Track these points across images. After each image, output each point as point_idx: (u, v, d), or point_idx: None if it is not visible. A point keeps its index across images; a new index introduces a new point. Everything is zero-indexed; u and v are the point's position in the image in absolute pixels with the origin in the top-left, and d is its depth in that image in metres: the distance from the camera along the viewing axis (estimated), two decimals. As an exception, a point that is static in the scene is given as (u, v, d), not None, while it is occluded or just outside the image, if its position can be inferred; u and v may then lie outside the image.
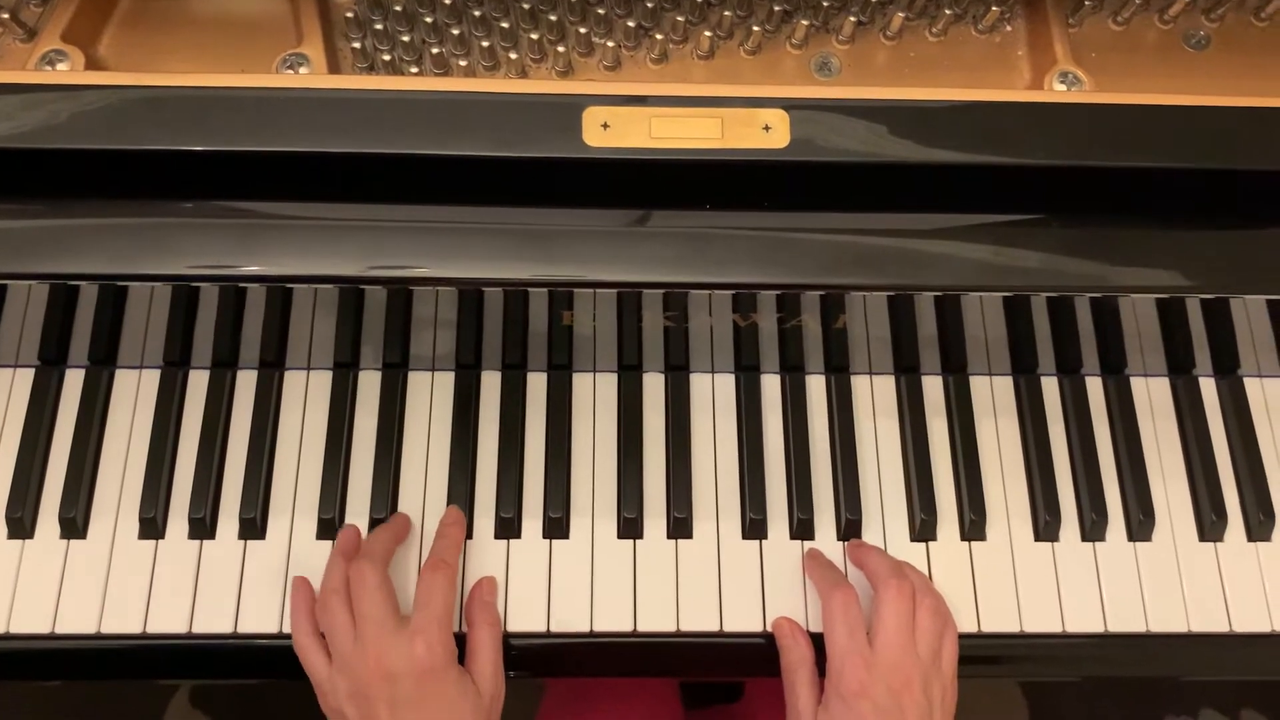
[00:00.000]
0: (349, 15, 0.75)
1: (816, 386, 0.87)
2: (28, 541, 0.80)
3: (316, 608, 0.74)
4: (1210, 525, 0.83)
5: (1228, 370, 0.88)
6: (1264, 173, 0.72)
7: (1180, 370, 0.88)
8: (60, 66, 0.72)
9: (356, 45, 0.76)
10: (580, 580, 0.80)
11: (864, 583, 0.77)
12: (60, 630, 0.77)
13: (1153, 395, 0.88)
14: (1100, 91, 0.75)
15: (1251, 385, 0.89)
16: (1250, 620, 0.81)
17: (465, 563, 0.80)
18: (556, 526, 0.81)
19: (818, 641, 0.75)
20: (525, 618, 0.79)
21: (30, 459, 0.81)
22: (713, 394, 0.86)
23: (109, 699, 1.50)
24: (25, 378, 0.84)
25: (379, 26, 0.75)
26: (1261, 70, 0.80)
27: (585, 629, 0.79)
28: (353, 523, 0.80)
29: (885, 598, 0.72)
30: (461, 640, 0.75)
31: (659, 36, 0.77)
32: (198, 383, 0.84)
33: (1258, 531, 0.84)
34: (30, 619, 0.77)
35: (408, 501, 0.82)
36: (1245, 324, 0.82)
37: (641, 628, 0.79)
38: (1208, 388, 0.88)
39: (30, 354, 0.83)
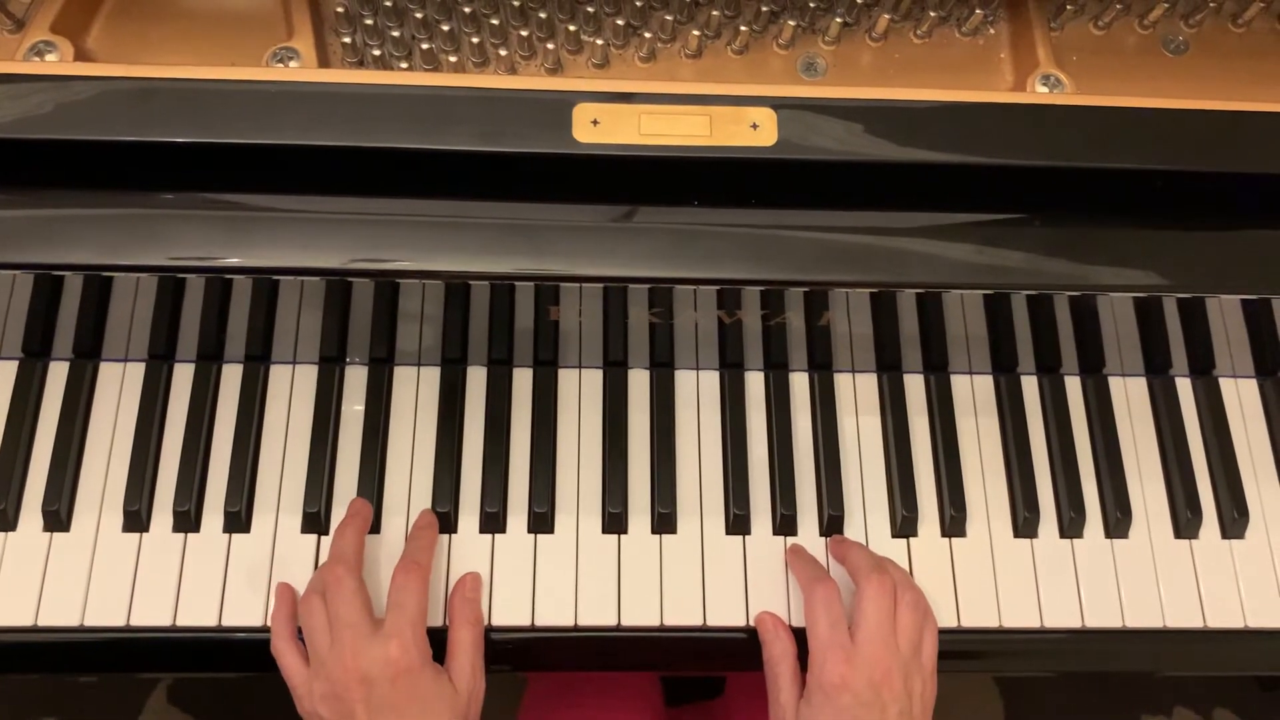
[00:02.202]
0: (339, 10, 0.76)
1: (800, 384, 0.88)
2: (10, 534, 0.79)
3: (299, 607, 0.74)
4: (1186, 523, 0.85)
5: (1203, 371, 0.89)
6: (1240, 175, 0.73)
7: (1157, 370, 0.89)
8: (49, 57, 0.72)
9: (347, 40, 0.76)
10: (565, 575, 0.80)
11: (846, 578, 0.78)
12: (43, 623, 0.77)
13: (1130, 395, 0.89)
14: (1081, 94, 0.77)
15: (1227, 386, 0.90)
16: (1224, 616, 0.82)
17: (450, 557, 0.81)
18: (541, 521, 0.82)
19: (800, 636, 0.76)
20: (510, 612, 0.79)
21: (13, 451, 0.81)
22: (697, 390, 0.87)
23: (87, 694, 1.49)
24: (9, 370, 0.83)
25: (369, 21, 0.76)
26: (1238, 75, 0.81)
27: (569, 623, 0.79)
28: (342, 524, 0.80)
29: (867, 592, 0.73)
30: (442, 636, 0.76)
31: (648, 35, 0.78)
32: (183, 376, 0.84)
33: (1232, 529, 0.85)
34: (13, 612, 0.77)
35: (393, 496, 0.82)
36: (1221, 324, 0.83)
37: (625, 622, 0.79)
38: (1184, 388, 0.90)
39: (14, 346, 0.83)
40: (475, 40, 0.76)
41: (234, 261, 0.70)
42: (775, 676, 0.75)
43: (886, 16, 0.78)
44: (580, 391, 0.86)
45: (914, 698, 0.71)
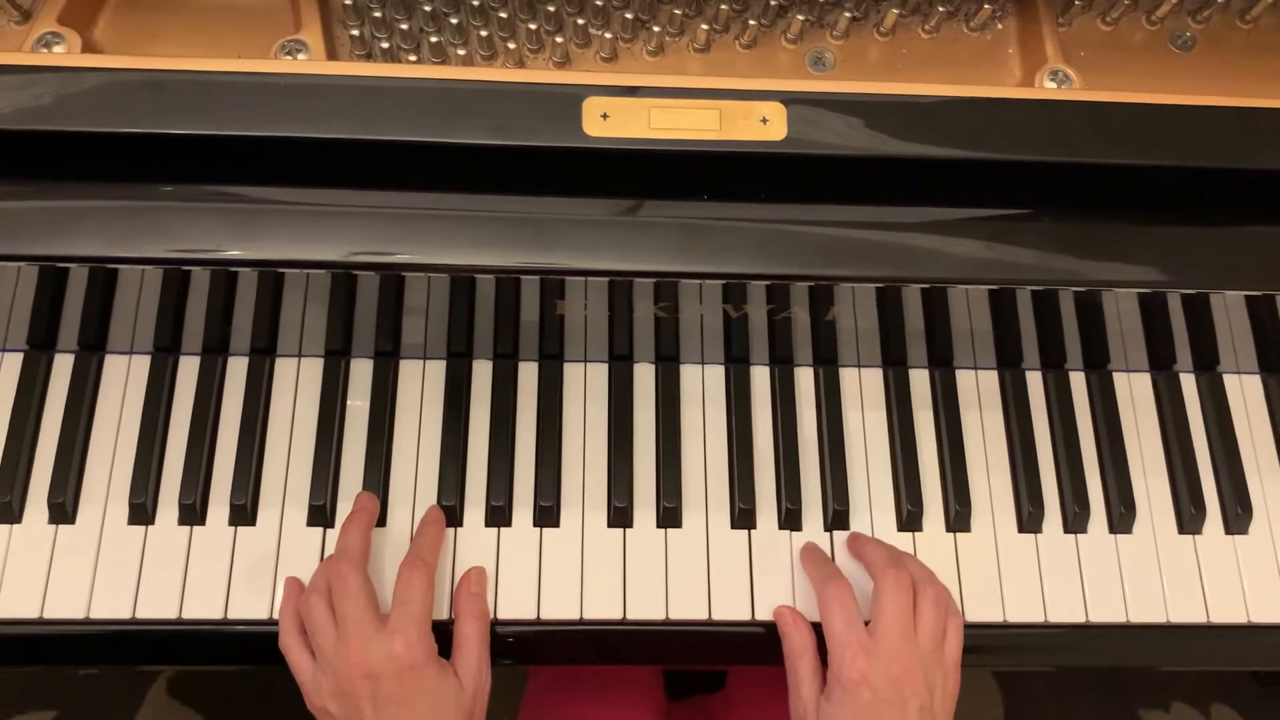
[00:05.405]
0: (347, 2, 0.75)
1: (805, 379, 0.88)
2: (15, 526, 0.79)
3: (300, 607, 0.74)
4: (1189, 518, 0.85)
5: (1207, 366, 0.90)
6: (1246, 171, 0.73)
7: (1161, 366, 0.90)
8: (57, 49, 0.72)
9: (355, 33, 0.76)
10: (570, 568, 0.81)
11: (859, 576, 0.78)
12: (49, 616, 0.77)
13: (1134, 390, 0.89)
14: (1089, 90, 0.77)
15: (1230, 381, 0.90)
16: (1227, 611, 0.83)
17: (456, 551, 0.81)
18: (547, 515, 0.82)
19: (819, 630, 0.76)
20: (515, 606, 0.79)
21: (19, 444, 0.81)
22: (703, 385, 0.87)
23: (89, 686, 1.49)
24: (14, 362, 0.83)
25: (377, 14, 0.76)
26: (1245, 71, 0.81)
27: (575, 617, 0.79)
28: (346, 514, 0.80)
29: (884, 587, 0.73)
30: (448, 630, 0.76)
31: (656, 29, 0.78)
32: (188, 368, 0.84)
33: (1235, 525, 0.85)
34: (18, 604, 0.77)
35: (398, 489, 0.82)
36: (1225, 321, 0.83)
37: (631, 616, 0.80)
38: (1188, 383, 0.90)
39: (19, 338, 0.82)
40: (483, 33, 0.75)
41: (240, 254, 0.70)
42: (795, 670, 0.75)
43: (894, 11, 0.78)
44: (586, 386, 0.86)
45: (935, 693, 0.71)
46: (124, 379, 0.84)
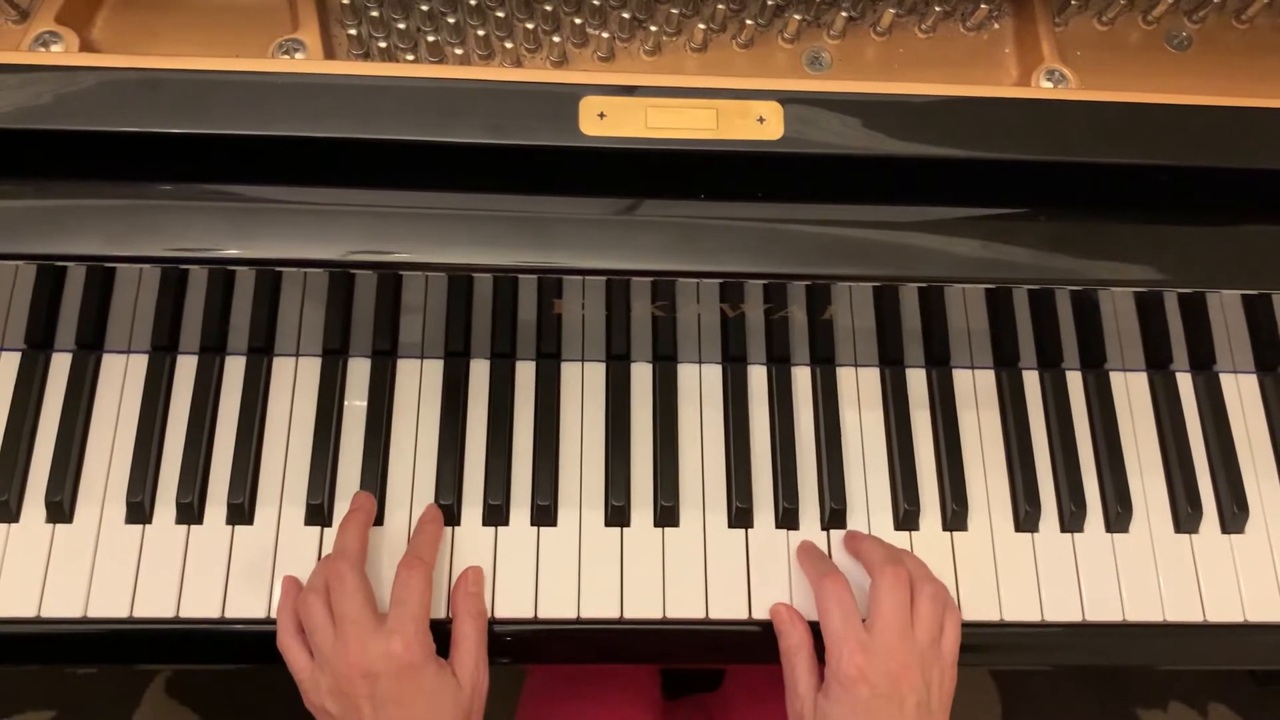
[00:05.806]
0: (345, 2, 0.76)
1: (802, 378, 0.88)
2: (13, 526, 0.79)
3: (298, 606, 0.74)
4: (1186, 517, 0.85)
5: (1204, 366, 0.90)
6: (1241, 170, 0.73)
7: (1158, 365, 0.90)
8: (54, 48, 0.72)
9: (352, 32, 0.76)
10: (568, 567, 0.81)
11: (856, 574, 0.78)
12: (46, 614, 0.77)
13: (1131, 390, 0.90)
14: (1085, 89, 0.77)
15: (1226, 381, 0.90)
16: (1223, 610, 0.83)
17: (453, 550, 0.81)
18: (544, 514, 0.82)
19: (815, 629, 0.76)
20: (513, 605, 0.79)
21: (16, 443, 0.81)
22: (700, 385, 0.87)
23: (86, 686, 1.49)
24: (11, 361, 0.83)
25: (375, 14, 0.76)
26: (1241, 70, 0.82)
27: (572, 616, 0.79)
28: (344, 513, 0.80)
29: (881, 584, 0.73)
30: (446, 629, 0.76)
31: (653, 28, 0.78)
32: (186, 368, 0.84)
33: (1231, 524, 0.85)
34: (15, 603, 0.77)
35: (396, 488, 0.82)
36: (1221, 320, 0.83)
37: (628, 615, 0.80)
38: (1184, 383, 0.90)
39: (16, 337, 0.82)
40: (480, 33, 0.75)
41: (238, 253, 0.70)
42: (792, 667, 0.75)
43: (891, 11, 0.78)
44: (583, 385, 0.86)
45: (932, 689, 0.71)
46: (121, 378, 0.84)
